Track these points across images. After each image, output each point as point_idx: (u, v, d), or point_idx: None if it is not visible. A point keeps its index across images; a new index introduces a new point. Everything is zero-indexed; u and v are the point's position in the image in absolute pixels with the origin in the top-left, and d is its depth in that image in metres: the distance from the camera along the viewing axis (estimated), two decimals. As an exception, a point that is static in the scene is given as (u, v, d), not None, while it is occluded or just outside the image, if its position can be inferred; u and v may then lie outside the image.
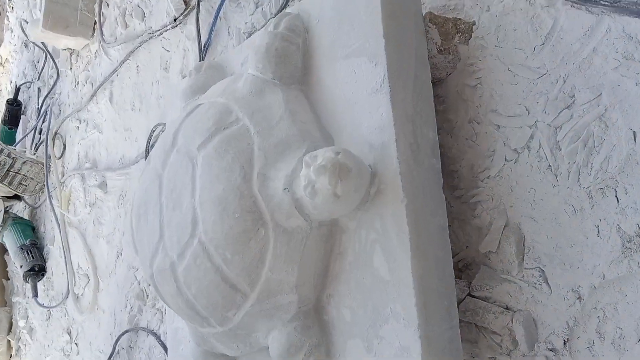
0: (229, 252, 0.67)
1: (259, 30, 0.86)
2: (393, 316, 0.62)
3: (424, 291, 0.61)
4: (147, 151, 1.31)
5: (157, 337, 1.21)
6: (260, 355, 0.78)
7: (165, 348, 1.18)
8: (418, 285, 0.61)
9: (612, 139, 0.61)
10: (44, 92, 2.17)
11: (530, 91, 0.68)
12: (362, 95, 0.68)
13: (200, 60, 1.15)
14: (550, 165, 0.66)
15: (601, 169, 0.61)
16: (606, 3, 0.62)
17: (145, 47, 1.38)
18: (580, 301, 0.62)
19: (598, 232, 0.61)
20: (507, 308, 0.68)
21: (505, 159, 0.70)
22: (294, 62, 0.75)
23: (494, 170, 0.70)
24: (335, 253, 0.70)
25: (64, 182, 1.73)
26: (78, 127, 1.69)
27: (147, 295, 1.27)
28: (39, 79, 2.24)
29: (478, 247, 0.72)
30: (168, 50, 1.31)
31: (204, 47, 1.16)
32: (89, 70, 1.69)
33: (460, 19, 0.74)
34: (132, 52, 1.41)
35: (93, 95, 1.59)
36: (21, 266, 1.75)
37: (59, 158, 1.78)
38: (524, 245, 0.68)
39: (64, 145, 1.78)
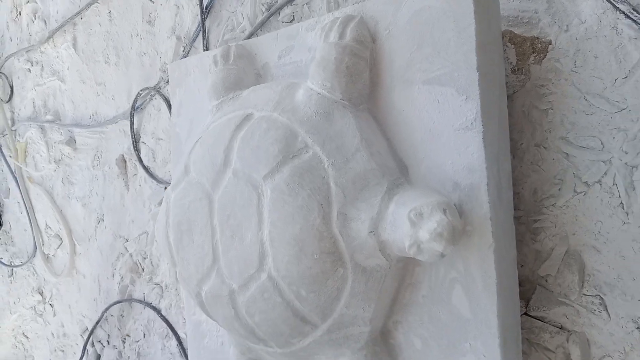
0: (304, 290, 0.65)
1: (306, 22, 0.77)
2: (472, 351, 0.65)
3: (504, 330, 0.64)
4: (132, 115, 1.19)
5: (158, 311, 1.19)
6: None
7: (168, 324, 1.16)
8: (500, 325, 0.63)
9: (691, 187, 0.63)
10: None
11: (607, 125, 0.68)
12: (447, 128, 0.64)
13: (202, 25, 1.03)
14: (622, 203, 0.67)
15: (676, 214, 0.64)
16: (702, 49, 0.61)
17: (120, -9, 1.20)
18: (638, 330, 0.67)
19: (664, 272, 0.65)
20: (562, 328, 0.73)
21: (575, 191, 0.70)
22: (364, 80, 0.69)
23: (562, 199, 0.71)
24: (406, 283, 0.69)
25: (15, 131, 1.55)
26: (30, 69, 1.49)
27: (143, 269, 1.22)
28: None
29: (534, 268, 0.75)
30: (152, 2, 1.15)
31: (206, 8, 1.03)
32: (36, 2, 1.46)
33: (538, 38, 0.71)
34: (103, -6, 1.23)
35: (50, 37, 1.38)
36: (-28, 220, 1.60)
37: (7, 102, 1.58)
38: (584, 272, 0.71)
39: (11, 87, 1.57)
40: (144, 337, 1.23)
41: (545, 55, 0.71)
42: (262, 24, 0.96)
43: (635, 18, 0.65)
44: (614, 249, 0.68)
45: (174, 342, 1.16)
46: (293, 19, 0.93)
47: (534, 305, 0.74)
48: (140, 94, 1.16)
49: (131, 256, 1.24)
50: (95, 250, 1.34)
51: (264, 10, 0.96)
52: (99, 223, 1.33)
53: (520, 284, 0.76)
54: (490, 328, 0.63)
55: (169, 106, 1.10)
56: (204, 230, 0.73)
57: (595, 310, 0.70)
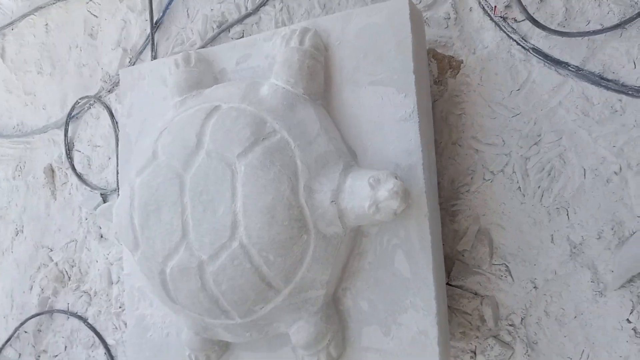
0: (272, 255, 0.74)
1: (263, 34, 0.89)
2: (412, 307, 0.77)
3: (437, 287, 0.77)
4: (68, 123, 1.21)
5: (85, 320, 1.17)
6: (264, 341, 0.86)
7: (95, 332, 1.15)
8: (435, 282, 0.76)
9: (568, 172, 0.83)
10: None
11: (506, 126, 0.87)
12: (390, 120, 0.79)
13: (151, 38, 1.11)
14: (519, 187, 0.85)
15: (559, 193, 0.83)
16: (572, 69, 0.83)
17: (61, 5, 1.24)
18: (535, 289, 0.84)
19: (552, 240, 0.83)
20: (476, 294, 0.88)
21: (484, 178, 0.88)
22: (320, 80, 0.82)
23: (474, 186, 0.88)
24: (354, 253, 0.81)
25: None
26: (-58, 79, 1.43)
27: (69, 278, 1.20)
28: None
29: (453, 245, 0.90)
30: (96, 16, 1.20)
31: (156, 23, 1.11)
32: (-44, 13, 1.43)
33: (453, 57, 0.89)
34: (41, 7, 1.25)
35: (-28, 46, 1.36)
36: None
37: None
38: (492, 246, 0.88)
39: None
40: (65, 349, 1.20)
41: (459, 71, 0.90)
42: (213, 39, 1.06)
43: (523, 45, 0.86)
44: (515, 225, 0.86)
45: (101, 350, 1.15)
46: (242, 36, 1.05)
47: (454, 276, 0.89)
48: (79, 103, 1.19)
49: (56, 265, 1.22)
50: (11, 264, 1.29)
51: (214, 27, 1.06)
52: (17, 235, 1.29)
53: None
54: (427, 285, 0.76)
55: (111, 113, 1.15)
56: (173, 208, 0.79)
57: (502, 276, 0.86)
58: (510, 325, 0.85)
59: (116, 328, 1.13)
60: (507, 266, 0.86)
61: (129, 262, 1.01)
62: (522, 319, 0.85)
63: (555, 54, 0.84)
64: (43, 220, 1.26)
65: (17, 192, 1.30)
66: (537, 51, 0.85)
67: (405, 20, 0.79)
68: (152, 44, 1.11)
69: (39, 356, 1.24)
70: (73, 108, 1.19)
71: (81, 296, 1.19)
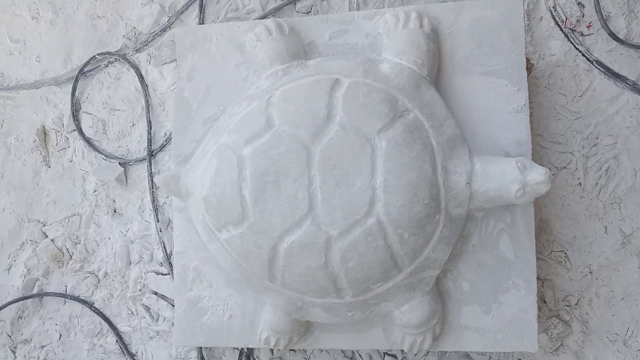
0: (407, 233, 0.74)
1: (363, 12, 0.87)
2: (514, 287, 0.82)
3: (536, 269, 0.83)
4: (77, 80, 1.05)
5: (90, 305, 1.03)
6: (350, 323, 0.85)
7: (104, 318, 1.02)
8: (536, 264, 0.82)
9: (622, 172, 0.95)
10: None
11: (569, 127, 0.96)
12: (501, 111, 0.83)
13: (200, 0, 1.02)
14: (580, 183, 0.95)
15: (613, 190, 0.94)
16: (629, 83, 0.95)
17: (74, -54, 1.07)
18: (590, 274, 0.94)
19: (605, 230, 0.94)
20: (538, 278, 0.96)
21: (549, 173, 0.96)
22: (437, 64, 0.83)
23: (540, 179, 0.96)
24: (459, 236, 0.83)
25: None
26: None
27: (71, 256, 1.04)
28: None
29: (515, 233, 0.97)
30: (121, -36, 1.07)
31: (207, -16, 1.02)
32: None
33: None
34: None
35: (-64, -26, 1.10)
36: None
37: None
38: (552, 234, 0.96)
39: None
40: (60, 338, 1.04)
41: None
42: (277, 10, 1.01)
43: (588, 57, 0.96)
44: (572, 216, 0.96)
45: (110, 338, 1.02)
46: (310, 12, 1.01)
47: (518, 261, 0.96)
48: (96, 58, 1.05)
49: (53, 242, 1.05)
50: (-20, 240, 1.08)
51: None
52: (-9, 205, 1.08)
53: (502, 247, 0.97)
54: (529, 266, 0.82)
55: (140, 75, 1.03)
56: (298, 180, 0.74)
57: (561, 262, 0.95)
58: (567, 306, 0.95)
59: (132, 314, 1.01)
60: (565, 253, 0.95)
61: (182, 240, 0.91)
62: (577, 301, 0.95)
63: (615, 68, 0.96)
64: (30, 189, 1.07)
65: (-8, 155, 1.09)
66: (600, 64, 0.96)
67: (520, 18, 0.84)
68: (201, 4, 1.02)
69: (15, 347, 1.05)
70: (87, 64, 1.04)
71: (86, 278, 1.04)
